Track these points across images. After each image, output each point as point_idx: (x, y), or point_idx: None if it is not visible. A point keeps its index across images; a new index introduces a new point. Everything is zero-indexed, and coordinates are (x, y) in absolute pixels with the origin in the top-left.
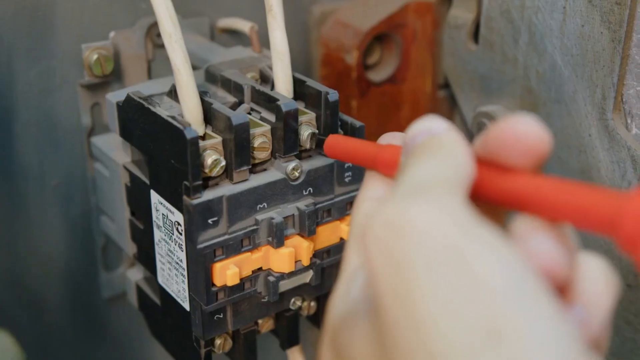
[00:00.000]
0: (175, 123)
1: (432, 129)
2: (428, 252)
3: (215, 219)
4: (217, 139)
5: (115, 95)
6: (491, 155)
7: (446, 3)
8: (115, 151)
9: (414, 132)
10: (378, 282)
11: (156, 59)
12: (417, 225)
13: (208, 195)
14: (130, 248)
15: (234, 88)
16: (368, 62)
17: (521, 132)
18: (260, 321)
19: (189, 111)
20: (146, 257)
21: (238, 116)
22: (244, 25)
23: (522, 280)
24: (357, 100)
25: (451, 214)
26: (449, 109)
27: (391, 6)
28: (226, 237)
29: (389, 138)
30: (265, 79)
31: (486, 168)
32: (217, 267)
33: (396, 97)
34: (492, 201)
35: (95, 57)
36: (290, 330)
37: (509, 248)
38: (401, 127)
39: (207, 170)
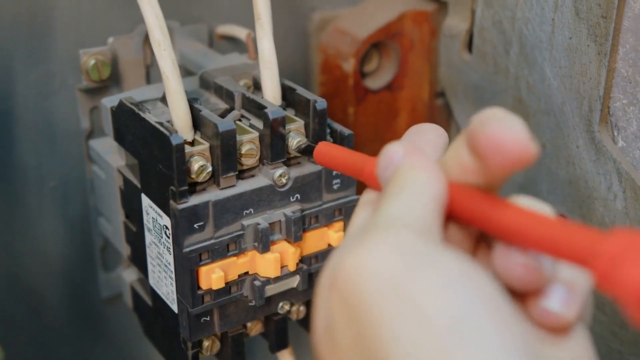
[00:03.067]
0: (162, 129)
1: (392, 160)
2: (379, 295)
3: (201, 223)
4: (205, 145)
5: (111, 100)
6: (475, 151)
7: (443, 12)
8: (111, 155)
9: (381, 168)
10: (337, 327)
11: (154, 64)
12: (367, 268)
13: (194, 200)
14: (125, 249)
15: (226, 95)
16: (366, 70)
17: (506, 144)
18: (249, 324)
19: (178, 117)
20: (139, 259)
21: (224, 123)
22: (240, 33)
23: (471, 307)
24: (354, 107)
25: (402, 249)
26: (446, 117)
27: (389, 14)
28: (212, 241)
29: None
30: (258, 86)
31: (467, 196)
32: (203, 270)
33: (393, 105)
34: (471, 227)
35: (92, 62)
36: (278, 334)
37: (463, 279)
38: (398, 135)
39: (193, 176)
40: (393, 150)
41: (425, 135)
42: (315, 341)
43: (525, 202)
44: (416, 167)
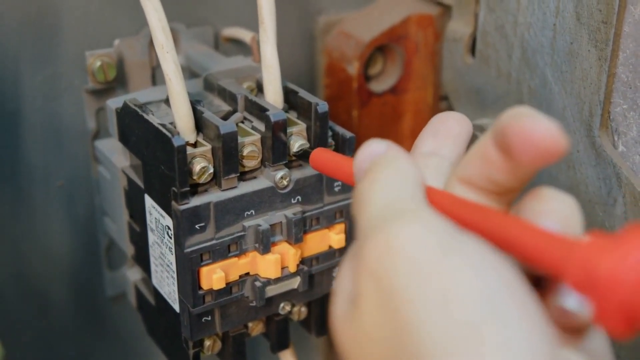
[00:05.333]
0: (164, 131)
1: (373, 152)
2: (415, 274)
3: (202, 224)
4: (207, 147)
5: (115, 102)
6: (503, 146)
7: (447, 16)
8: (116, 155)
9: (359, 160)
10: (365, 304)
11: (160, 66)
12: (404, 249)
13: (196, 201)
14: (129, 249)
15: (229, 97)
16: (370, 73)
17: (539, 137)
18: (250, 324)
19: (180, 119)
20: (142, 258)
21: (226, 125)
22: (245, 35)
23: (497, 292)
24: (358, 110)
25: (431, 231)
26: None
27: (393, 18)
28: (213, 242)
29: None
30: (262, 88)
31: (452, 201)
32: (204, 271)
33: (398, 108)
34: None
35: (98, 64)
36: (279, 334)
37: (487, 261)
38: (403, 137)
39: (195, 177)
40: (376, 144)
41: (448, 124)
42: (335, 321)
43: (548, 193)
44: (400, 157)
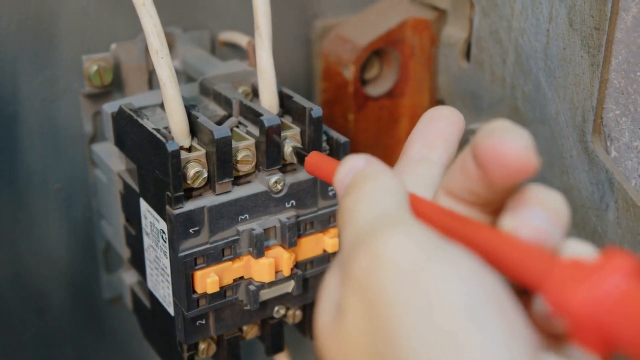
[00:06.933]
0: (158, 136)
1: (352, 168)
2: (397, 285)
3: (196, 228)
4: (201, 152)
5: (111, 106)
6: (476, 162)
7: (443, 21)
8: (112, 159)
9: (340, 176)
10: (350, 314)
11: None
12: (389, 259)
13: (190, 205)
14: (125, 252)
15: (224, 102)
16: (367, 77)
17: (507, 155)
18: (245, 328)
19: (175, 124)
20: (138, 261)
21: (220, 130)
22: (241, 40)
23: (479, 301)
24: (355, 113)
25: (416, 241)
26: None
27: (390, 22)
28: (207, 246)
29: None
30: (257, 93)
31: (435, 211)
32: (198, 274)
33: (394, 112)
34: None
35: (94, 68)
36: (274, 337)
37: (470, 270)
38: (399, 141)
39: (189, 182)
40: (355, 160)
41: (437, 125)
42: (319, 330)
43: (537, 187)
44: (380, 170)
